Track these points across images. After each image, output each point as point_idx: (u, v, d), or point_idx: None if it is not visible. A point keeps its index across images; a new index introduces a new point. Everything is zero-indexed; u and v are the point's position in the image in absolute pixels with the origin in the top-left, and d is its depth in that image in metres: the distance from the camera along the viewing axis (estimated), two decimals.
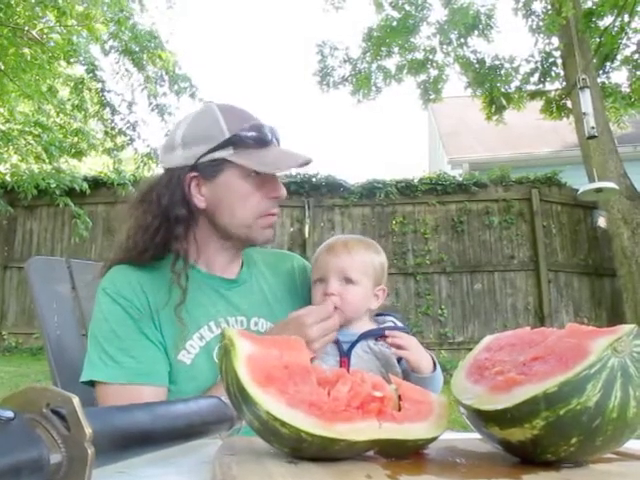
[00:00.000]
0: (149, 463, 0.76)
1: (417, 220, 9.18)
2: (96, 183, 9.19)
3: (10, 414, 0.52)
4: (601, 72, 9.75)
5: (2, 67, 8.40)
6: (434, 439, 0.74)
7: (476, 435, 0.78)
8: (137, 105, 9.21)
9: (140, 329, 1.29)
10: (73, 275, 1.70)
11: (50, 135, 8.77)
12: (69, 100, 9.43)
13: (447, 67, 10.20)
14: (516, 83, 10.07)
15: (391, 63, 10.34)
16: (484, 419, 0.70)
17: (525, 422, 0.65)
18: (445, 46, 9.96)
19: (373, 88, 10.43)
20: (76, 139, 9.24)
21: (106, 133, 9.34)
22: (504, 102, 10.05)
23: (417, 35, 10.05)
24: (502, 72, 9.92)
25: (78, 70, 9.87)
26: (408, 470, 0.68)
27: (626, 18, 9.07)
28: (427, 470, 0.71)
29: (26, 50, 8.52)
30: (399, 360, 1.40)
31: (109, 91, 9.08)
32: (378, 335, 1.40)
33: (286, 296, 1.54)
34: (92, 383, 1.27)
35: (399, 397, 0.77)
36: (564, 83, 9.61)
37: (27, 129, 9.06)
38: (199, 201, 1.36)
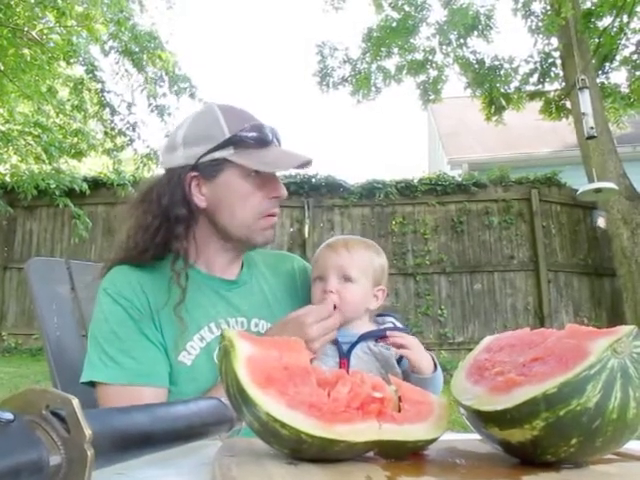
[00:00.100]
0: (149, 464, 0.76)
1: (417, 220, 9.19)
2: (96, 184, 9.19)
3: (10, 416, 0.52)
4: (600, 72, 9.75)
5: (2, 68, 8.40)
6: (434, 440, 0.74)
7: (476, 436, 0.78)
8: (137, 106, 9.23)
9: (141, 330, 1.29)
10: (73, 276, 1.70)
11: (50, 136, 8.77)
12: (69, 101, 9.44)
13: (446, 68, 10.20)
14: (515, 83, 10.08)
15: (391, 64, 10.35)
16: (484, 420, 0.70)
17: (525, 423, 0.65)
18: (445, 47, 9.96)
19: (373, 88, 10.43)
20: (76, 140, 9.24)
21: (106, 134, 9.34)
22: (503, 102, 10.05)
23: (417, 36, 10.04)
24: (501, 72, 9.92)
25: (78, 71, 9.87)
26: (408, 471, 0.68)
27: (625, 18, 9.08)
28: (427, 471, 0.71)
29: (26, 51, 8.51)
30: (399, 361, 1.40)
31: (109, 91, 9.09)
32: (378, 336, 1.40)
33: (286, 297, 1.54)
34: (92, 384, 1.27)
35: (399, 398, 0.77)
36: (563, 83, 9.61)
37: (27, 130, 9.06)
38: (199, 201, 1.36)
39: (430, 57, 10.12)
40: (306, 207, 9.08)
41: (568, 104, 9.51)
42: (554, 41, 9.64)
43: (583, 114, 6.38)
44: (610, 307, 9.01)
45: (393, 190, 9.16)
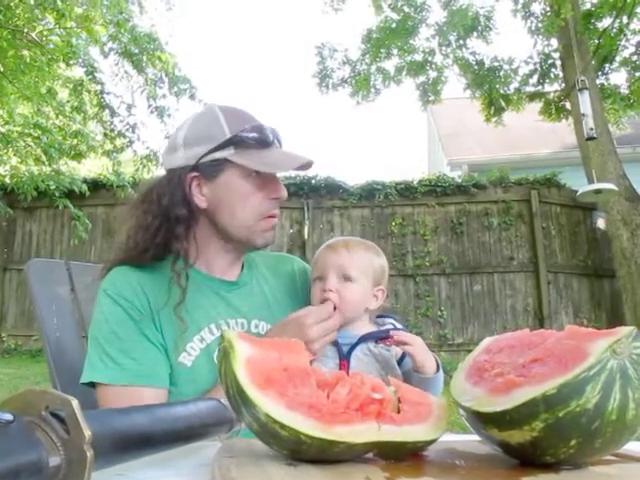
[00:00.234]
0: (148, 465, 0.76)
1: (416, 221, 9.19)
2: (95, 185, 9.20)
3: (9, 417, 0.52)
4: (600, 73, 9.76)
5: (1, 69, 8.40)
6: (433, 441, 0.74)
7: (475, 437, 0.78)
8: (136, 107, 9.22)
9: (141, 330, 1.29)
10: (72, 277, 1.70)
11: (49, 137, 8.77)
12: (68, 102, 9.44)
13: (446, 69, 10.21)
14: (515, 85, 10.09)
15: (390, 65, 10.36)
16: (483, 421, 0.70)
17: (524, 424, 0.65)
18: (444, 48, 9.97)
19: (372, 90, 10.44)
20: (75, 141, 9.24)
21: (105, 135, 9.34)
22: (503, 103, 10.06)
23: (416, 37, 10.06)
24: (501, 74, 9.93)
25: (77, 72, 9.88)
26: (407, 472, 0.68)
27: (625, 19, 9.09)
28: (426, 472, 0.71)
29: (25, 52, 8.51)
30: (399, 362, 1.40)
31: (108, 93, 9.09)
32: (378, 337, 1.40)
33: (286, 298, 1.54)
34: (92, 384, 1.27)
35: (398, 399, 0.77)
36: (563, 84, 9.62)
37: (26, 131, 9.06)
38: (200, 201, 1.36)
39: (430, 58, 10.13)
40: (306, 208, 9.08)
41: (568, 105, 9.51)
42: (554, 42, 9.66)
43: (583, 115, 6.39)
44: (610, 308, 9.01)
45: (393, 191, 9.17)
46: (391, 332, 1.36)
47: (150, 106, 9.21)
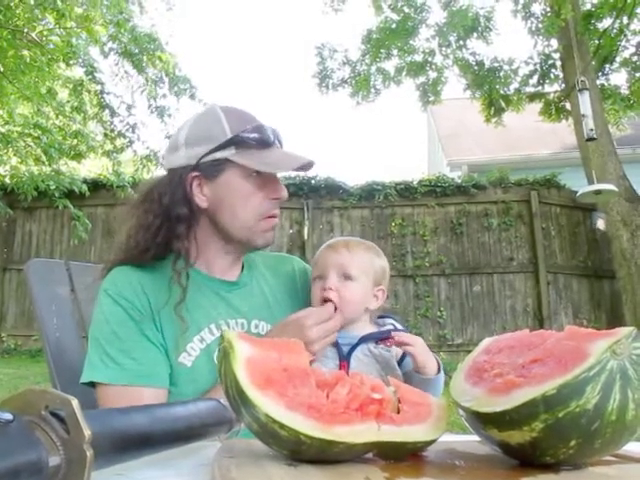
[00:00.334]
0: (148, 465, 0.76)
1: (416, 222, 9.19)
2: (95, 185, 9.20)
3: (9, 416, 0.52)
4: (600, 74, 9.76)
5: (1, 69, 8.40)
6: (433, 441, 0.74)
7: (475, 437, 0.78)
8: (136, 107, 9.22)
9: (141, 331, 1.29)
10: (72, 277, 1.70)
11: (49, 137, 8.77)
12: (68, 102, 9.43)
13: (446, 69, 10.21)
14: (515, 85, 10.09)
15: (390, 65, 10.36)
16: (483, 421, 0.70)
17: (524, 424, 0.65)
18: (444, 48, 9.97)
19: (372, 90, 10.44)
20: (75, 141, 9.24)
21: (105, 135, 9.34)
22: (503, 104, 10.06)
23: (416, 37, 10.05)
24: (501, 74, 9.93)
25: (77, 72, 9.87)
26: (407, 472, 0.68)
27: (625, 20, 9.09)
28: (426, 472, 0.71)
29: (25, 52, 8.51)
30: (399, 363, 1.40)
31: (108, 93, 9.08)
32: (378, 338, 1.40)
33: (286, 299, 1.54)
34: (92, 384, 1.27)
35: (398, 400, 0.77)
36: (563, 85, 9.62)
37: (26, 131, 9.06)
38: (201, 201, 1.37)
39: (430, 59, 10.13)
40: (305, 209, 9.08)
41: (568, 106, 9.51)
42: (554, 43, 9.67)
43: (583, 116, 6.38)
44: (609, 309, 9.01)
45: (392, 192, 9.17)
46: (392, 333, 1.36)
47: (150, 106, 9.21)
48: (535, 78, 10.06)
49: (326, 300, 1.36)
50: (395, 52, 10.17)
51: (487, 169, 10.57)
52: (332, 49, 10.42)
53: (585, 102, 6.33)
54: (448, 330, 8.81)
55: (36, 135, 8.93)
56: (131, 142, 9.12)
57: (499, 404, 0.66)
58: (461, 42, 9.85)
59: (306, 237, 8.97)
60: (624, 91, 10.03)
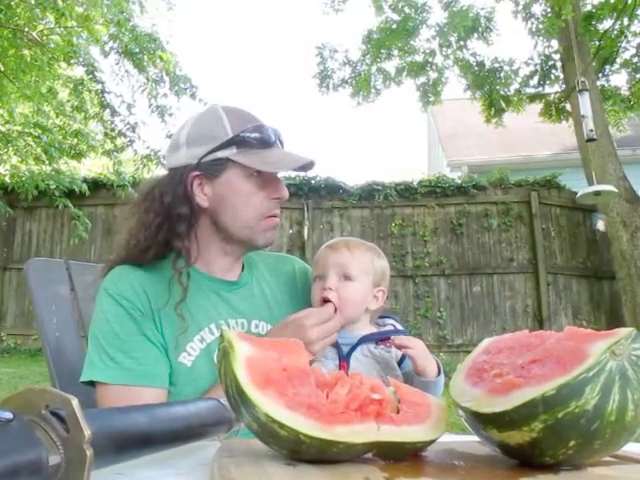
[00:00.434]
0: (147, 465, 0.76)
1: (416, 222, 9.19)
2: (95, 184, 9.21)
3: (9, 415, 0.52)
4: (600, 75, 9.76)
5: (2, 68, 8.40)
6: (432, 442, 0.74)
7: (474, 438, 0.78)
8: (137, 106, 9.21)
9: (142, 331, 1.29)
10: (72, 277, 1.70)
11: (49, 136, 8.77)
12: (69, 101, 9.43)
13: (446, 70, 10.20)
14: (515, 86, 10.08)
15: (391, 65, 10.35)
16: (482, 422, 0.70)
17: (523, 425, 0.65)
18: (445, 49, 9.96)
19: (372, 90, 10.43)
20: (75, 140, 9.24)
21: (106, 134, 9.33)
22: (503, 105, 10.05)
23: (417, 38, 10.05)
24: (501, 75, 9.93)
25: (78, 71, 9.87)
26: (406, 472, 0.68)
27: (625, 21, 9.09)
28: (425, 473, 0.71)
29: (26, 51, 8.51)
30: (399, 364, 1.40)
31: (109, 92, 9.08)
32: (378, 339, 1.40)
33: (286, 299, 1.54)
34: (92, 383, 1.27)
35: (398, 400, 0.77)
36: (563, 86, 9.62)
37: (27, 130, 9.06)
38: (201, 200, 1.37)
39: (430, 59, 10.13)
40: (305, 209, 9.08)
41: (568, 107, 9.51)
42: (554, 43, 9.66)
43: (583, 117, 6.38)
44: (609, 310, 9.01)
45: (392, 192, 9.17)
46: (392, 337, 1.36)
47: (151, 105, 9.20)
48: (535, 79, 10.05)
49: (325, 300, 1.36)
50: (395, 52, 10.17)
51: (487, 170, 10.57)
52: (332, 49, 10.42)
53: (585, 103, 6.33)
54: (448, 330, 8.81)
55: (36, 134, 8.93)
56: (131, 141, 9.11)
57: (499, 404, 0.67)
58: (462, 42, 9.85)
59: (306, 237, 8.97)
60: (624, 92, 10.03)
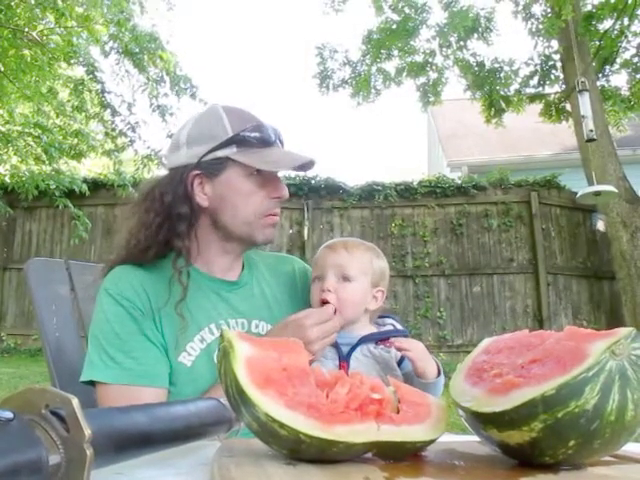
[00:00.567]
0: (147, 464, 0.76)
1: (416, 223, 9.19)
2: (95, 185, 9.22)
3: (9, 415, 0.52)
4: (600, 75, 9.76)
5: (2, 68, 8.40)
6: (432, 441, 0.74)
7: (474, 438, 0.78)
8: (137, 106, 9.21)
9: (142, 331, 1.29)
10: (72, 277, 1.70)
11: (49, 136, 8.77)
12: (69, 101, 9.43)
13: (446, 70, 10.19)
14: (515, 86, 10.08)
15: (391, 66, 10.34)
16: (482, 421, 0.70)
17: (523, 425, 0.65)
18: (445, 49, 9.96)
19: (372, 91, 10.42)
20: (76, 140, 9.24)
21: (106, 134, 9.33)
22: (503, 105, 10.04)
23: (417, 38, 10.04)
24: (501, 75, 9.93)
25: (78, 71, 9.87)
26: (406, 472, 0.68)
27: (626, 21, 9.09)
28: (425, 472, 0.71)
29: (26, 51, 8.51)
30: (399, 364, 1.40)
31: (109, 92, 9.07)
32: (378, 339, 1.40)
33: (286, 299, 1.54)
34: (92, 383, 1.27)
35: (398, 400, 0.77)
36: (563, 86, 9.61)
37: (27, 130, 9.06)
38: (201, 199, 1.37)
39: (430, 59, 10.12)
40: (305, 209, 9.08)
41: (568, 107, 9.51)
42: (554, 44, 9.66)
43: (583, 117, 6.38)
44: (609, 310, 9.01)
45: (392, 192, 9.17)
46: (391, 339, 1.36)
47: (152, 105, 9.20)
48: (535, 79, 10.05)
49: (324, 302, 1.36)
50: (395, 53, 10.16)
51: (487, 170, 10.57)
52: (332, 49, 10.41)
53: (585, 103, 6.33)
54: (448, 331, 8.81)
55: (36, 134, 8.93)
56: (132, 141, 9.11)
57: (498, 404, 0.67)
58: (461, 43, 9.85)
59: (306, 237, 8.97)
60: (624, 92, 10.03)
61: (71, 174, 8.95)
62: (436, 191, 9.24)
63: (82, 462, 0.54)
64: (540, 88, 10.13)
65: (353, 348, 1.38)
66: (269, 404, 0.67)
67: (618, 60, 9.79)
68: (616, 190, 6.93)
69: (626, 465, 0.75)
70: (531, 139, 13.57)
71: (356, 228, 9.17)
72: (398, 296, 8.87)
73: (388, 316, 1.52)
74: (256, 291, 1.49)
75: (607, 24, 9.23)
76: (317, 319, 1.28)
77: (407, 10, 9.87)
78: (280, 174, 1.42)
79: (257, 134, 1.35)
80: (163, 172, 1.45)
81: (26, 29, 8.32)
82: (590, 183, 7.66)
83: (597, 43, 9.14)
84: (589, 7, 9.51)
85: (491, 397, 0.69)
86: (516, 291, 8.92)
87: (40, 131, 8.87)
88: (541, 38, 9.70)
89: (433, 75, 10.26)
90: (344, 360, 1.37)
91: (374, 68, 10.33)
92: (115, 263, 1.39)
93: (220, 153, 1.34)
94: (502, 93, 10.02)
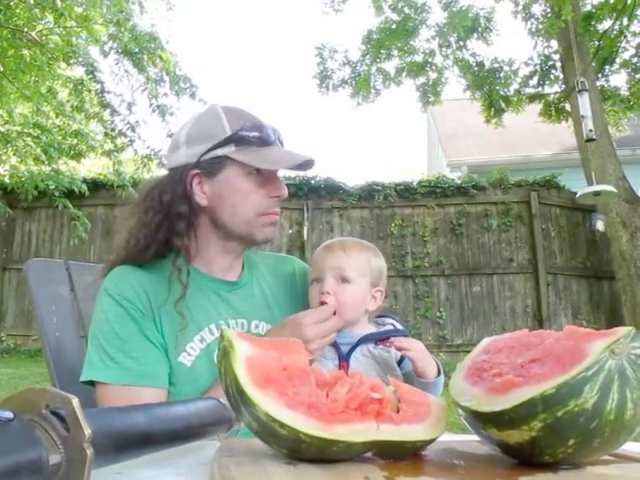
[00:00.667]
0: (147, 464, 0.76)
1: (416, 223, 9.19)
2: (95, 185, 9.22)
3: (9, 415, 0.52)
4: (600, 75, 9.75)
5: (1, 69, 8.39)
6: (432, 441, 0.74)
7: (474, 437, 0.78)
8: (137, 106, 9.19)
9: (142, 331, 1.29)
10: (72, 277, 1.70)
11: (49, 137, 8.77)
12: (68, 101, 9.42)
13: (446, 70, 10.19)
14: (515, 86, 10.07)
15: (390, 66, 10.34)
16: (482, 421, 0.71)
17: (523, 424, 0.65)
18: (444, 49, 9.95)
19: (372, 91, 10.42)
20: (75, 141, 9.23)
21: (106, 134, 9.32)
22: (503, 105, 10.04)
23: (416, 38, 10.04)
24: (501, 75, 9.92)
25: (77, 71, 9.86)
26: (406, 472, 0.68)
27: (625, 21, 9.09)
28: (425, 472, 0.71)
29: (25, 51, 8.50)
30: (399, 363, 1.40)
31: (109, 92, 9.07)
32: (378, 339, 1.40)
33: (286, 299, 1.54)
34: (92, 383, 1.27)
35: (397, 399, 0.77)
36: (563, 86, 9.61)
37: (26, 130, 9.05)
38: (201, 199, 1.37)
39: (430, 59, 10.12)
40: (305, 209, 9.08)
41: (568, 107, 9.51)
42: (554, 44, 9.65)
43: (582, 117, 6.37)
44: (609, 310, 9.01)
45: (392, 192, 9.17)
46: (391, 339, 1.36)
47: (151, 105, 9.19)
48: (535, 79, 10.05)
49: (324, 304, 1.36)
50: (395, 52, 10.16)
51: (487, 170, 10.57)
52: (332, 49, 10.41)
53: (585, 103, 6.33)
54: (448, 330, 8.81)
55: (36, 135, 8.92)
56: (132, 141, 9.10)
57: (498, 404, 0.67)
58: (461, 43, 9.85)
59: (306, 237, 8.97)
60: (624, 92, 10.03)
61: (71, 174, 8.94)
62: (436, 191, 9.24)
63: (82, 462, 0.54)
64: (540, 88, 10.13)
65: (353, 348, 1.37)
66: (269, 404, 0.67)
67: (617, 60, 9.79)
68: (616, 190, 6.93)
69: (625, 464, 0.75)
70: (531, 139, 13.57)
71: (356, 228, 9.17)
72: (398, 296, 8.87)
73: (388, 315, 1.51)
74: (256, 291, 1.49)
75: (606, 24, 9.24)
76: (315, 318, 1.28)
77: (407, 10, 9.87)
78: (279, 174, 1.42)
79: (256, 133, 1.35)
80: (163, 172, 1.45)
81: (25, 29, 8.31)
82: (590, 183, 7.66)
83: (596, 43, 9.15)
84: (588, 7, 9.51)
85: (491, 396, 0.69)
86: (516, 291, 8.92)
87: (39, 131, 8.87)
88: (541, 38, 9.70)
89: (433, 75, 10.26)
90: (344, 360, 1.36)
91: (374, 68, 10.33)
92: (115, 263, 1.39)
93: (219, 152, 1.34)
94: (502, 93, 10.01)
